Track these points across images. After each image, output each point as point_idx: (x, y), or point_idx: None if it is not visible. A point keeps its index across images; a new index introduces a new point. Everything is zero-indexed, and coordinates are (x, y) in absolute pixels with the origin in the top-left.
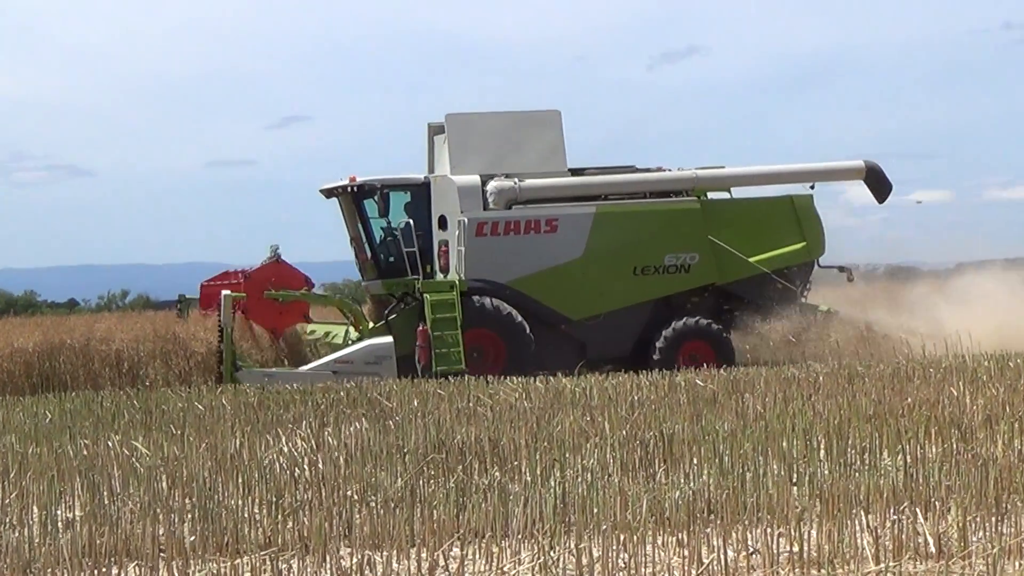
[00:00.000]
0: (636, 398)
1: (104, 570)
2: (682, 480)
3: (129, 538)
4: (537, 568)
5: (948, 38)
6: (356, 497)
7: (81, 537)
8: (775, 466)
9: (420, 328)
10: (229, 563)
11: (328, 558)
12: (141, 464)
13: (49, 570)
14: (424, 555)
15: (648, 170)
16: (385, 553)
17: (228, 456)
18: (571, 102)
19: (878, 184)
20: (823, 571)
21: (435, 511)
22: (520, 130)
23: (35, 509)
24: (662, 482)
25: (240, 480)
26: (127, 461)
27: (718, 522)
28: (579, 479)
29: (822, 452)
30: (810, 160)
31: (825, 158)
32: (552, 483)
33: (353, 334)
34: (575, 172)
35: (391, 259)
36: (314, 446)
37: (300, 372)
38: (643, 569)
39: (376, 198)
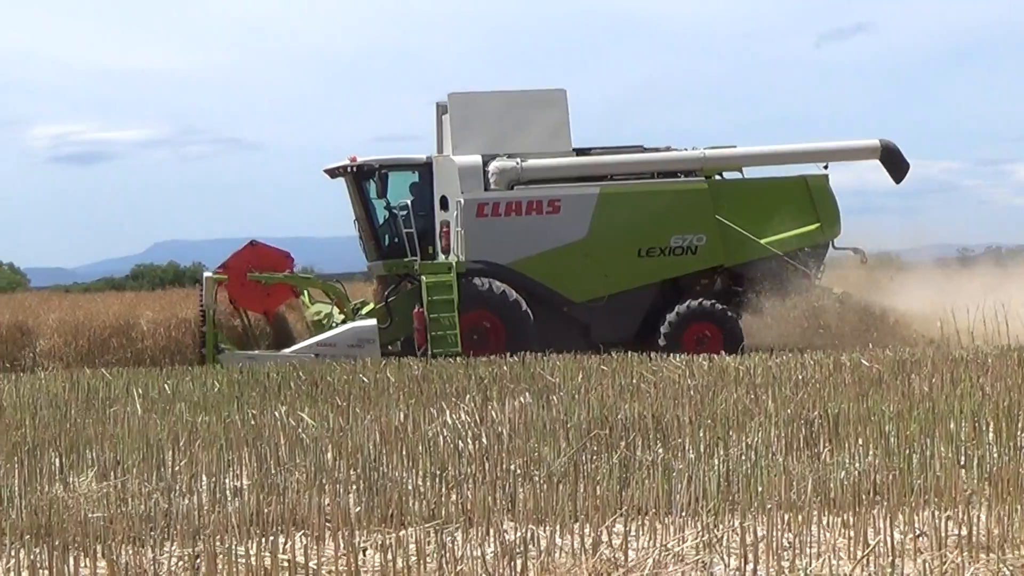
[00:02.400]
0: (800, 377)
1: (271, 538)
2: (847, 461)
3: (296, 507)
4: (701, 546)
5: None
6: (519, 471)
7: (249, 506)
8: (942, 448)
9: (416, 310)
10: (394, 534)
11: (492, 532)
12: (307, 435)
13: (218, 537)
14: (587, 531)
15: (656, 150)
16: (548, 528)
17: (392, 428)
18: (736, 79)
19: (894, 164)
20: (992, 556)
21: (598, 487)
22: (524, 109)
23: (204, 477)
24: (827, 462)
25: (404, 452)
26: (293, 431)
27: (884, 504)
28: (743, 457)
29: (991, 435)
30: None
31: (995, 135)
32: (716, 461)
33: (337, 316)
34: (580, 152)
35: (395, 240)
36: (477, 420)
37: (283, 354)
38: (808, 549)
39: (375, 178)
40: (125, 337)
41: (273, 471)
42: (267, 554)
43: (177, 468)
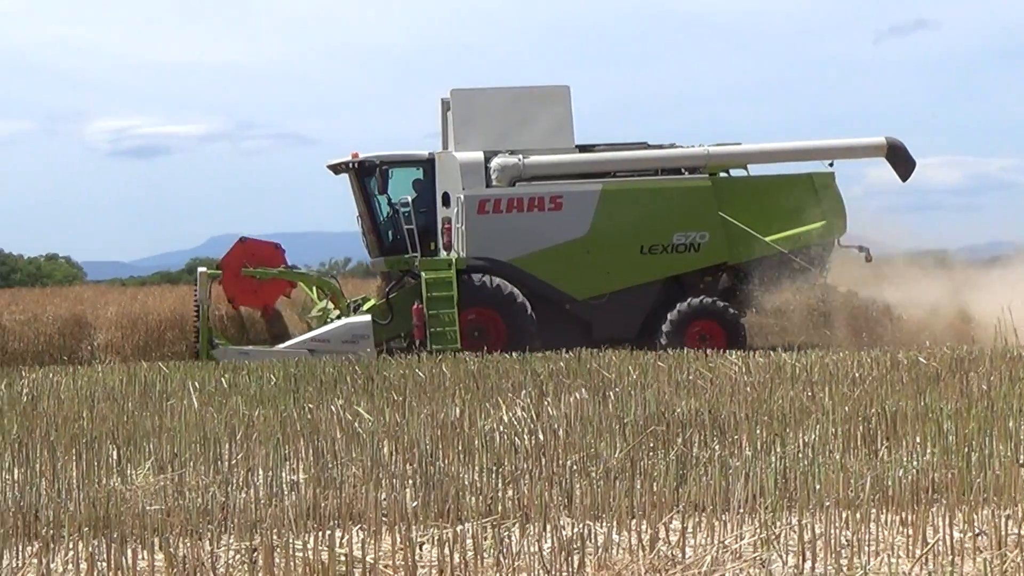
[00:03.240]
0: (857, 375)
1: (328, 532)
2: (905, 459)
3: (352, 502)
4: (759, 543)
5: None
6: (576, 467)
7: (305, 500)
8: (1001, 447)
9: (415, 306)
10: (451, 529)
11: (548, 527)
12: (363, 429)
13: (275, 531)
14: (644, 527)
15: (660, 147)
16: (605, 524)
17: (448, 423)
18: (790, 77)
19: (901, 161)
20: None
21: (655, 483)
22: (526, 106)
23: (261, 471)
24: (885, 460)
25: (460, 447)
26: (350, 426)
27: (943, 502)
28: (800, 454)
29: None
30: None
31: None
32: (773, 458)
33: (333, 312)
34: (583, 149)
35: (397, 236)
36: (534, 416)
37: (277, 350)
38: (866, 547)
39: (376, 175)
40: (180, 330)
41: (330, 465)
42: (324, 548)
43: (234, 461)
